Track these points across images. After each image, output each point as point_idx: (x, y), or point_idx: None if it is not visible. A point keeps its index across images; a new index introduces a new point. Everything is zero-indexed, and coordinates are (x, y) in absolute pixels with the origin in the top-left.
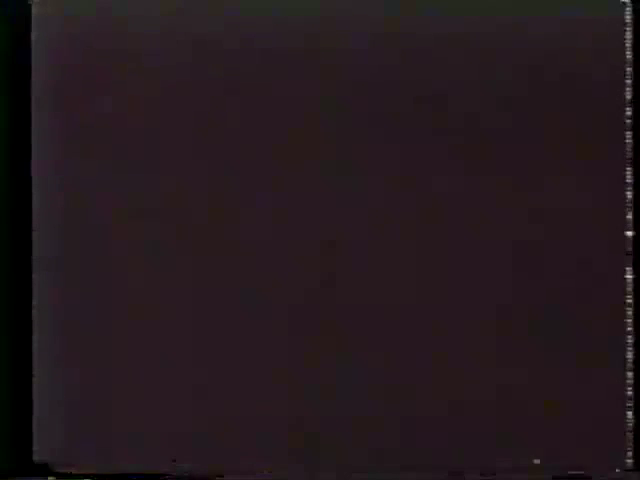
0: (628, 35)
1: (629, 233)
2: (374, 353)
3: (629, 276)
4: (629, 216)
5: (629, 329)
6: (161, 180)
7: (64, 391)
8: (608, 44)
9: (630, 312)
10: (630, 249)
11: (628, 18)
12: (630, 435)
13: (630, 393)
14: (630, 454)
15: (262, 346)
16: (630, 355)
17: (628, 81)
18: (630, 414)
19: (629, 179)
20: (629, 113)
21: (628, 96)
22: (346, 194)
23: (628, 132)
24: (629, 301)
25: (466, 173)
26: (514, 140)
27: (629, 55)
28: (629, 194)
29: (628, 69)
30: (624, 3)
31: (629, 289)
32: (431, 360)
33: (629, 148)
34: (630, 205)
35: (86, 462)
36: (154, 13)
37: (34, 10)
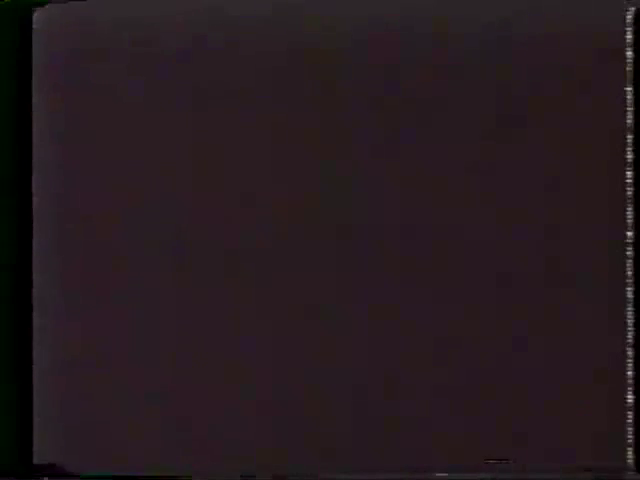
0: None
1: (629, 233)
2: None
3: (629, 273)
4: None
5: (629, 328)
6: (160, 175)
7: (64, 392)
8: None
9: (630, 311)
10: (630, 249)
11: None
12: (631, 434)
13: (630, 395)
14: (630, 454)
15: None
16: (630, 354)
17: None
18: (630, 414)
19: (629, 180)
20: (630, 113)
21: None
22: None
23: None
24: (629, 298)
25: (466, 170)
26: (514, 141)
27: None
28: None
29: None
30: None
31: (629, 287)
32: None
33: (630, 150)
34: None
35: (86, 463)
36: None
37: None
